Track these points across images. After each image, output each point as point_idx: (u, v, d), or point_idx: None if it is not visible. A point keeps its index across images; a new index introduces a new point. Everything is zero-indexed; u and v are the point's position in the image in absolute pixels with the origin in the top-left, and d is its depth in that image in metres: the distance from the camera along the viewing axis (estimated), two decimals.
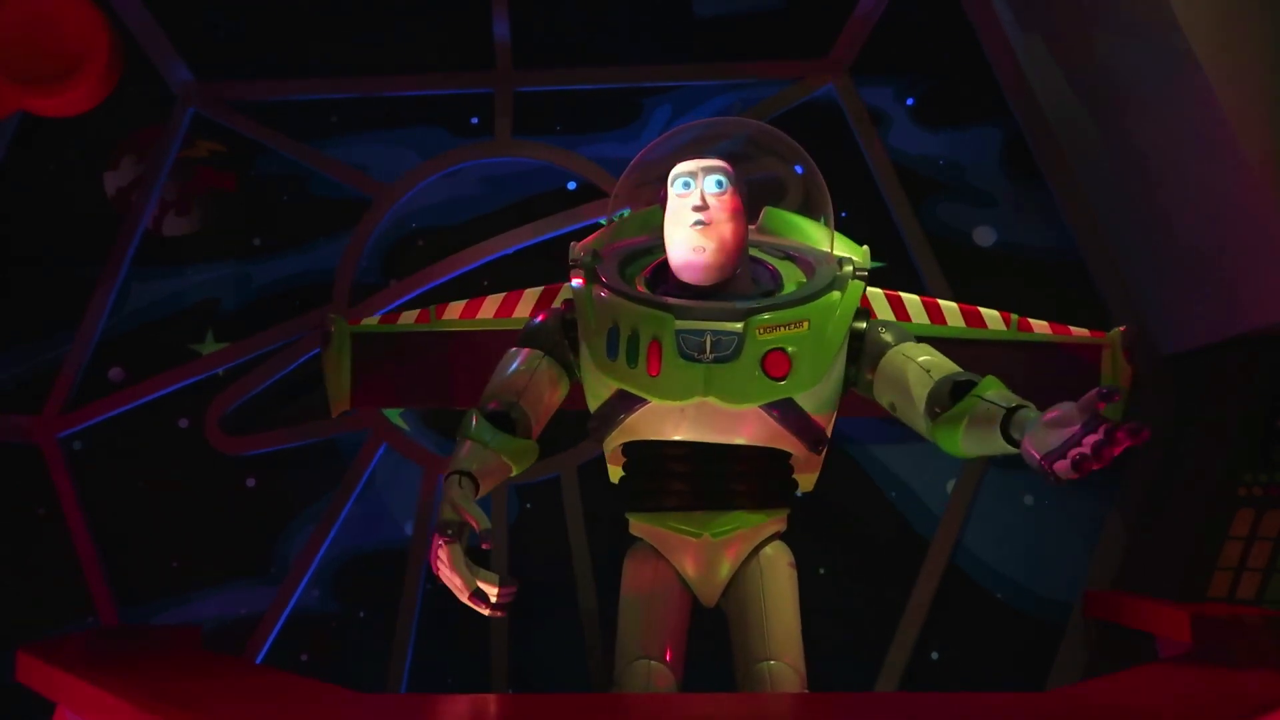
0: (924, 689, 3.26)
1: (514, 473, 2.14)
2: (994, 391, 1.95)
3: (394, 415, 3.47)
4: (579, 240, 2.35)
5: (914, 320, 2.50)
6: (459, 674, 3.38)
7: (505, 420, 2.12)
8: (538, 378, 2.21)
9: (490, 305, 2.58)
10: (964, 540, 3.36)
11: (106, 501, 3.46)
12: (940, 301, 2.55)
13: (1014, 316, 2.54)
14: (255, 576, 3.43)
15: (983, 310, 2.54)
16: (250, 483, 3.46)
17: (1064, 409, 1.75)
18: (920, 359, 2.09)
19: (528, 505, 3.45)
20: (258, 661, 3.34)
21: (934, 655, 3.34)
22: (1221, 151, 2.65)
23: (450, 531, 1.95)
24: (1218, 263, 2.89)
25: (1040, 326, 2.54)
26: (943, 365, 2.08)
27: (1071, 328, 2.54)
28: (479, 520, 1.94)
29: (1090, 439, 1.66)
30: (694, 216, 2.10)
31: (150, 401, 3.47)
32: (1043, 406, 2.70)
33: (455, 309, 2.62)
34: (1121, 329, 2.52)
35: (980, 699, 2.09)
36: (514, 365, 2.22)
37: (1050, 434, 1.74)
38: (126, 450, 3.48)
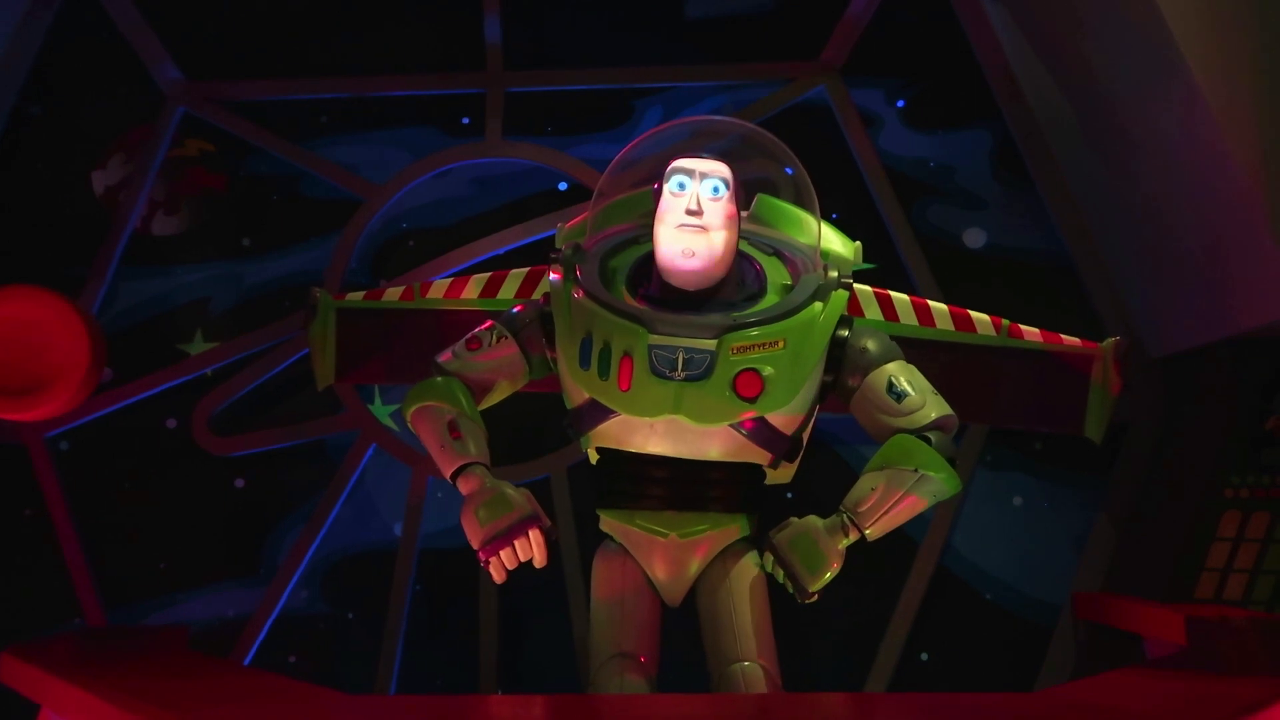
0: (913, 690, 3.27)
1: None
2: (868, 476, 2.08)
3: (383, 415, 3.46)
4: (559, 224, 2.34)
5: (902, 321, 2.49)
6: (448, 675, 3.37)
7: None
8: (499, 370, 2.24)
9: (475, 285, 2.58)
10: (953, 541, 3.36)
11: (94, 502, 3.44)
12: (930, 303, 2.53)
13: (1004, 322, 2.52)
14: (243, 577, 3.42)
15: (973, 314, 2.52)
16: (239, 483, 3.45)
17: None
18: (892, 415, 2.11)
19: None
20: (245, 663, 3.32)
21: (923, 656, 3.35)
22: (1210, 154, 2.66)
23: (539, 521, 2.04)
24: (1206, 265, 2.90)
25: (1031, 334, 2.52)
26: (905, 416, 2.10)
27: (1063, 336, 2.53)
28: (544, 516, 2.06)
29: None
30: (686, 220, 2.08)
31: (138, 401, 3.45)
32: (1034, 415, 2.72)
33: (440, 287, 2.61)
34: (1114, 340, 2.51)
35: (969, 699, 2.10)
36: (482, 348, 2.25)
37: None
38: (114, 451, 3.46)
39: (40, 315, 3.08)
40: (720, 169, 2.14)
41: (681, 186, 2.12)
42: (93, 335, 3.16)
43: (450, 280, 2.62)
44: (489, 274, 2.60)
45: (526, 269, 2.57)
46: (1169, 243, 3.03)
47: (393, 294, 2.66)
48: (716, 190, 2.12)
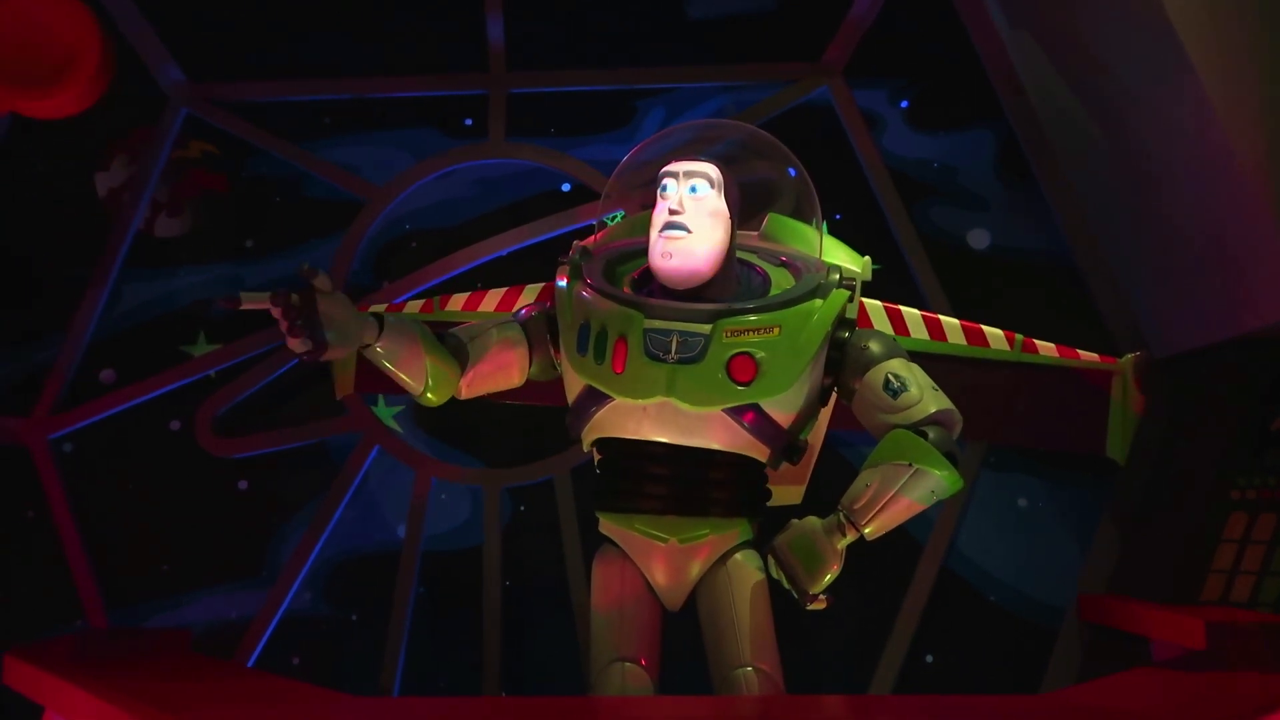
0: (918, 692, 3.26)
1: (420, 387, 2.06)
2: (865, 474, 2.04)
3: (386, 418, 3.46)
4: (574, 241, 2.35)
5: (913, 336, 2.49)
6: (451, 677, 3.37)
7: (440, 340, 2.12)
8: (496, 333, 2.19)
9: (492, 299, 2.62)
10: (957, 543, 3.36)
11: (97, 504, 3.43)
12: (941, 318, 2.52)
13: (1018, 337, 2.50)
14: (247, 579, 3.41)
15: (986, 329, 2.51)
16: (242, 485, 3.44)
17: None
18: (888, 412, 2.08)
19: (521, 508, 3.44)
20: (249, 665, 3.32)
21: (928, 659, 3.34)
22: (1214, 154, 2.65)
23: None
24: (1212, 265, 2.89)
25: (1046, 349, 2.49)
26: (901, 412, 2.07)
27: (1080, 351, 2.51)
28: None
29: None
30: (669, 220, 2.11)
31: (142, 403, 3.45)
32: (1052, 434, 2.68)
33: (458, 300, 2.67)
34: (1134, 355, 2.49)
35: (974, 702, 2.09)
36: (485, 321, 2.23)
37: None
38: (117, 452, 3.46)
39: (45, 7, 3.12)
40: (702, 167, 2.15)
41: (666, 188, 2.16)
42: (101, 23, 3.19)
43: (469, 294, 2.66)
44: (506, 288, 2.66)
45: (542, 284, 2.60)
46: (1174, 243, 3.02)
47: (412, 307, 2.73)
48: (695, 189, 2.13)
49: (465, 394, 2.18)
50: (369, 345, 1.96)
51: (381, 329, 1.96)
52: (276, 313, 1.82)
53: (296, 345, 1.83)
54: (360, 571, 3.42)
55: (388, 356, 2.00)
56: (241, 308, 1.80)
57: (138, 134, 3.58)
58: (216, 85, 3.59)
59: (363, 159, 3.59)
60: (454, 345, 2.13)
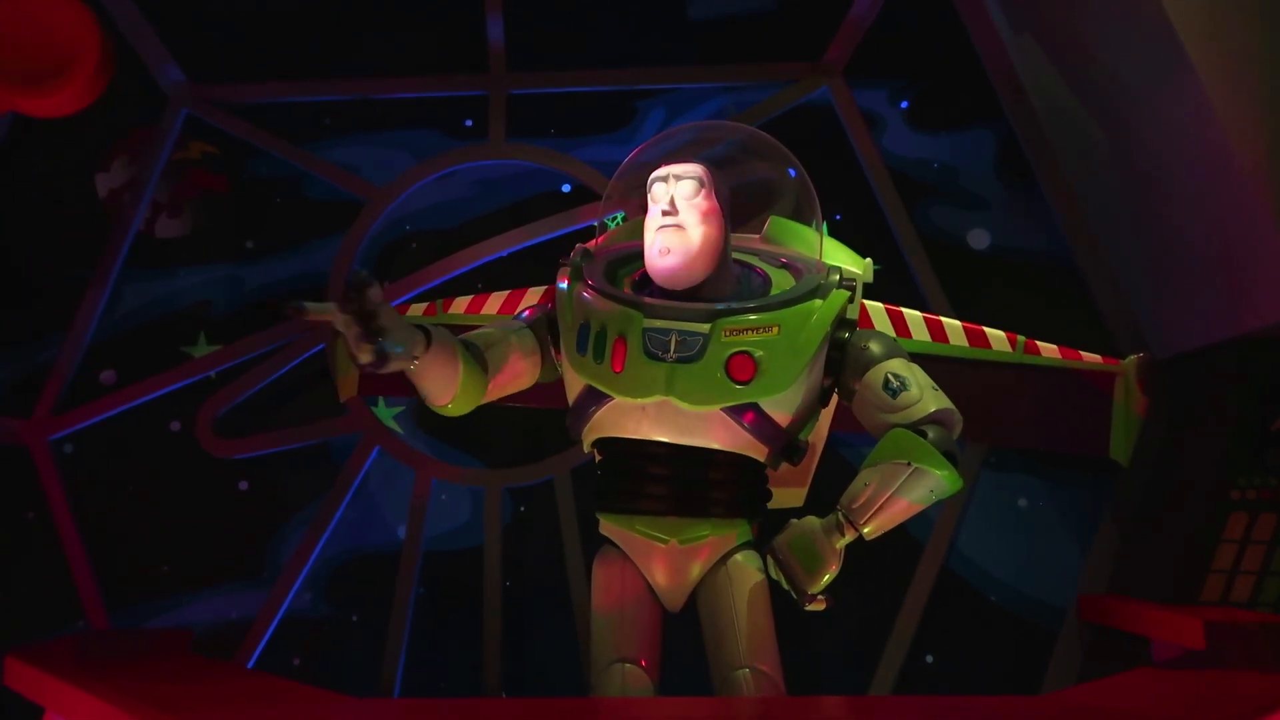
0: (918, 693, 3.26)
1: (445, 399, 2.03)
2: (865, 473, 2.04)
3: (387, 418, 3.46)
4: (575, 243, 2.36)
5: (915, 338, 2.49)
6: (452, 678, 3.37)
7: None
8: (509, 340, 2.18)
9: (494, 302, 2.63)
10: (957, 543, 3.36)
11: (97, 505, 3.44)
12: (943, 319, 2.52)
13: (1020, 338, 2.50)
14: (247, 580, 3.41)
15: (987, 330, 2.51)
16: (243, 486, 3.45)
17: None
18: (888, 411, 2.07)
19: (521, 508, 3.44)
20: (249, 666, 3.32)
21: (928, 659, 3.34)
22: (1214, 154, 2.65)
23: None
24: (1212, 265, 2.89)
25: (1049, 350, 2.50)
26: (900, 411, 2.06)
27: (1082, 353, 2.51)
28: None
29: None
30: (662, 220, 2.13)
31: (142, 404, 3.46)
32: (1055, 436, 2.68)
33: (461, 304, 2.67)
34: (1136, 357, 2.49)
35: (974, 702, 2.09)
36: (494, 325, 2.23)
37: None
38: (118, 453, 3.46)
39: (44, 5, 3.13)
40: (689, 169, 2.17)
41: (659, 190, 2.17)
42: (100, 21, 3.19)
43: (471, 297, 2.68)
44: (508, 292, 2.67)
45: (544, 288, 2.61)
46: (1174, 243, 3.02)
47: (415, 310, 2.75)
48: (689, 189, 2.15)
49: (482, 402, 2.18)
50: (417, 359, 1.91)
51: (429, 342, 1.91)
52: (344, 322, 1.74)
53: (365, 355, 1.76)
54: (361, 572, 3.43)
55: (425, 369, 1.95)
56: (307, 319, 1.70)
57: (138, 134, 3.58)
58: (216, 85, 3.59)
59: (363, 159, 3.59)
60: (475, 355, 2.11)
